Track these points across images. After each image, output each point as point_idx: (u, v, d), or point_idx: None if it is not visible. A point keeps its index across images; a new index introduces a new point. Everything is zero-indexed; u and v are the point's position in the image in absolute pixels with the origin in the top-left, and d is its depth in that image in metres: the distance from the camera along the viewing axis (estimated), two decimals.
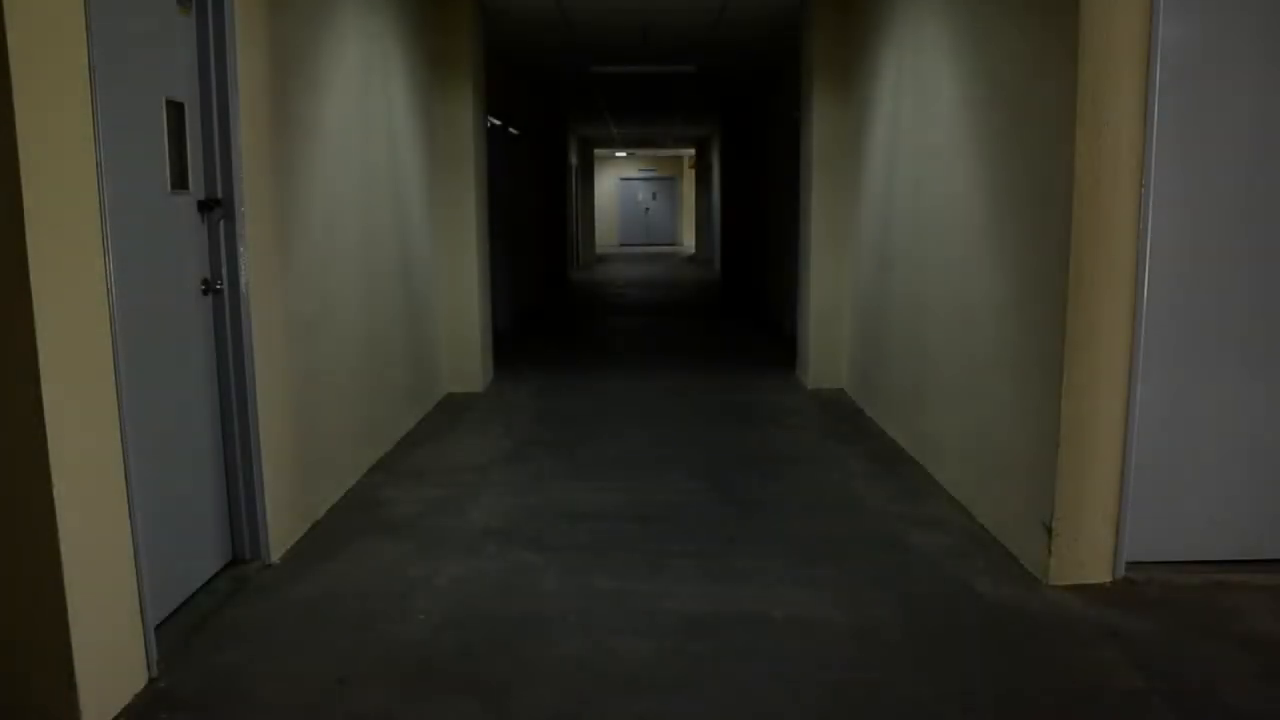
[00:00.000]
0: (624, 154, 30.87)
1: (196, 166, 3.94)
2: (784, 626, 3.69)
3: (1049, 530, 4.00)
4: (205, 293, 4.00)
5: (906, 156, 6.20)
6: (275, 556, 4.33)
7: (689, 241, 30.96)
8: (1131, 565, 4.05)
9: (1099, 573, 4.03)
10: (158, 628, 3.40)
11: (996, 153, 4.64)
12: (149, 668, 3.29)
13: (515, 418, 7.32)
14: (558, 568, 4.28)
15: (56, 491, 2.82)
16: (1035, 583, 4.04)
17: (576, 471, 5.79)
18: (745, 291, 15.48)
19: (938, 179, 5.51)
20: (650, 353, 10.58)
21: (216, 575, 4.10)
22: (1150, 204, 3.84)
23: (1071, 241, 3.83)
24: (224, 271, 4.05)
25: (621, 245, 32.21)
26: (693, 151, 28.69)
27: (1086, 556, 4.02)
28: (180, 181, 3.84)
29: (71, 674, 2.89)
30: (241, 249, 4.07)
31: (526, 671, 3.36)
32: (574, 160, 21.76)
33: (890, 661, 3.44)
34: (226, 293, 4.07)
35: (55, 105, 2.87)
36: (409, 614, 3.83)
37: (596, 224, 29.13)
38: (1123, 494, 3.99)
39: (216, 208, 4.01)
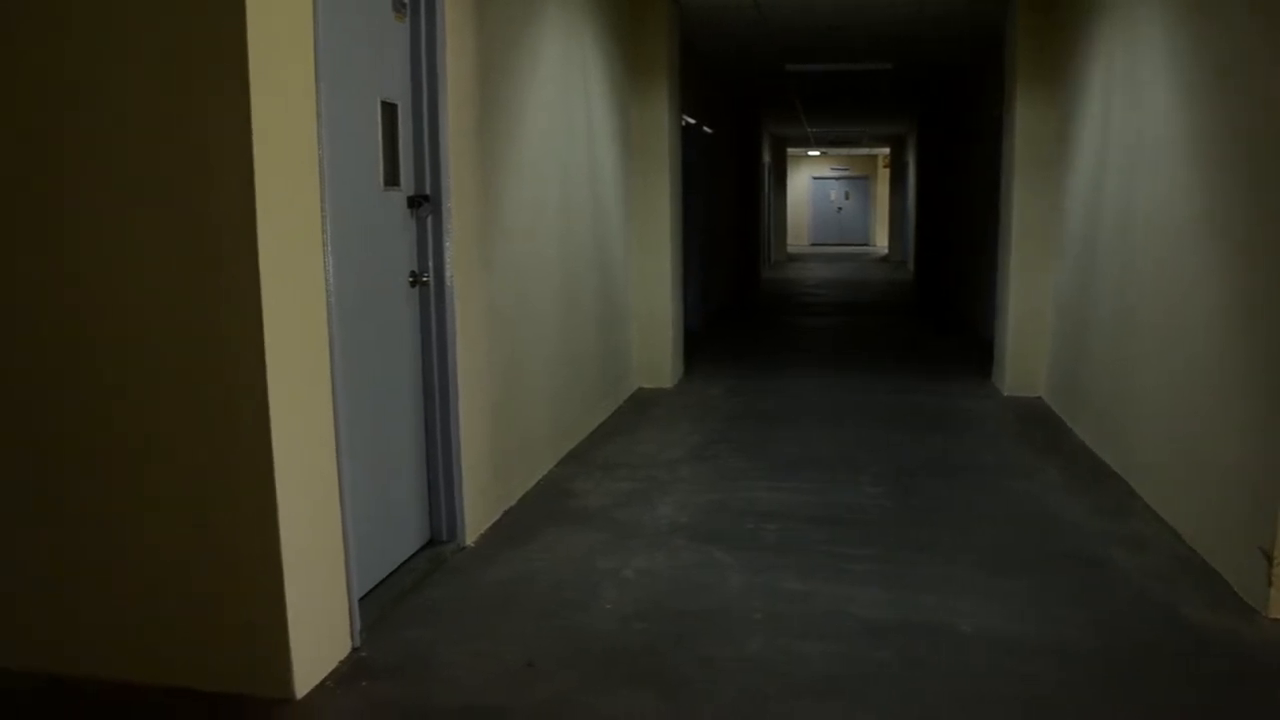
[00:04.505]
0: (817, 153, 30.55)
1: (407, 164, 4.13)
2: (971, 639, 3.59)
3: (1269, 558, 3.74)
4: (413, 285, 4.18)
5: (1116, 154, 5.93)
6: (470, 540, 4.49)
7: (882, 242, 30.41)
8: None
9: None
10: (361, 600, 3.58)
11: (1217, 149, 4.38)
12: (352, 637, 3.47)
13: (703, 414, 7.36)
14: (743, 566, 4.28)
15: (277, 469, 3.01)
16: (1251, 614, 3.79)
17: (764, 470, 5.78)
18: (940, 294, 15.10)
19: (1149, 178, 5.25)
20: (840, 354, 10.46)
21: (415, 554, 4.28)
22: None
23: None
24: (430, 265, 4.23)
25: (813, 245, 31.90)
26: (887, 150, 28.15)
27: None
28: (392, 178, 4.03)
29: (286, 640, 3.09)
30: (447, 243, 4.24)
31: (709, 669, 3.39)
32: (767, 159, 21.68)
33: (1082, 684, 3.30)
34: (432, 285, 4.24)
35: (284, 107, 3.06)
36: (596, 603, 3.91)
37: (788, 223, 28.95)
38: None
39: (425, 203, 4.19)
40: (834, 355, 10.35)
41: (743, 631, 3.66)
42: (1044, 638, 3.60)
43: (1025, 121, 7.65)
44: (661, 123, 8.00)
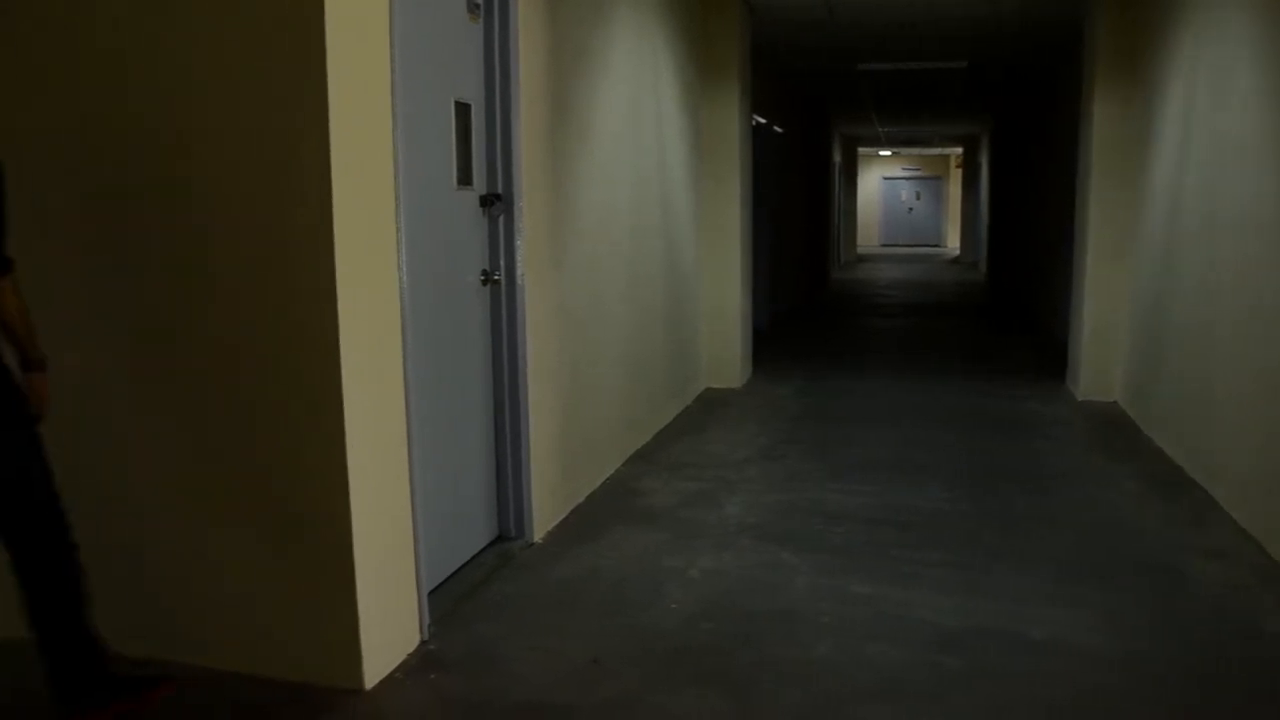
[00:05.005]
0: (888, 153, 30.25)
1: (480, 164, 4.17)
2: (1042, 647, 3.53)
3: None
4: (484, 283, 4.23)
5: (1198, 154, 5.79)
6: (538, 536, 4.52)
7: (953, 243, 30.04)
8: None
9: None
10: (430, 594, 3.63)
11: None
12: (421, 631, 3.52)
13: (771, 415, 7.33)
14: (810, 568, 4.26)
15: (350, 465, 3.06)
16: None
17: (831, 472, 5.74)
18: (1012, 296, 14.88)
19: (1234, 178, 5.12)
20: (910, 356, 10.35)
21: (484, 550, 4.32)
22: None
23: None
24: (501, 263, 4.27)
25: (883, 245, 31.59)
26: (960, 150, 27.79)
27: None
28: (465, 178, 4.07)
29: (356, 631, 3.14)
30: (519, 242, 4.28)
31: (774, 670, 3.37)
32: (837, 158, 21.53)
33: (1154, 696, 3.22)
34: (504, 284, 4.28)
35: (361, 107, 3.11)
36: (662, 603, 3.91)
37: (859, 223, 28.72)
38: None
39: (496, 203, 4.23)
40: (904, 357, 10.25)
41: (810, 634, 3.64)
42: (1117, 647, 3.53)
43: (1103, 120, 7.51)
44: (732, 124, 7.98)
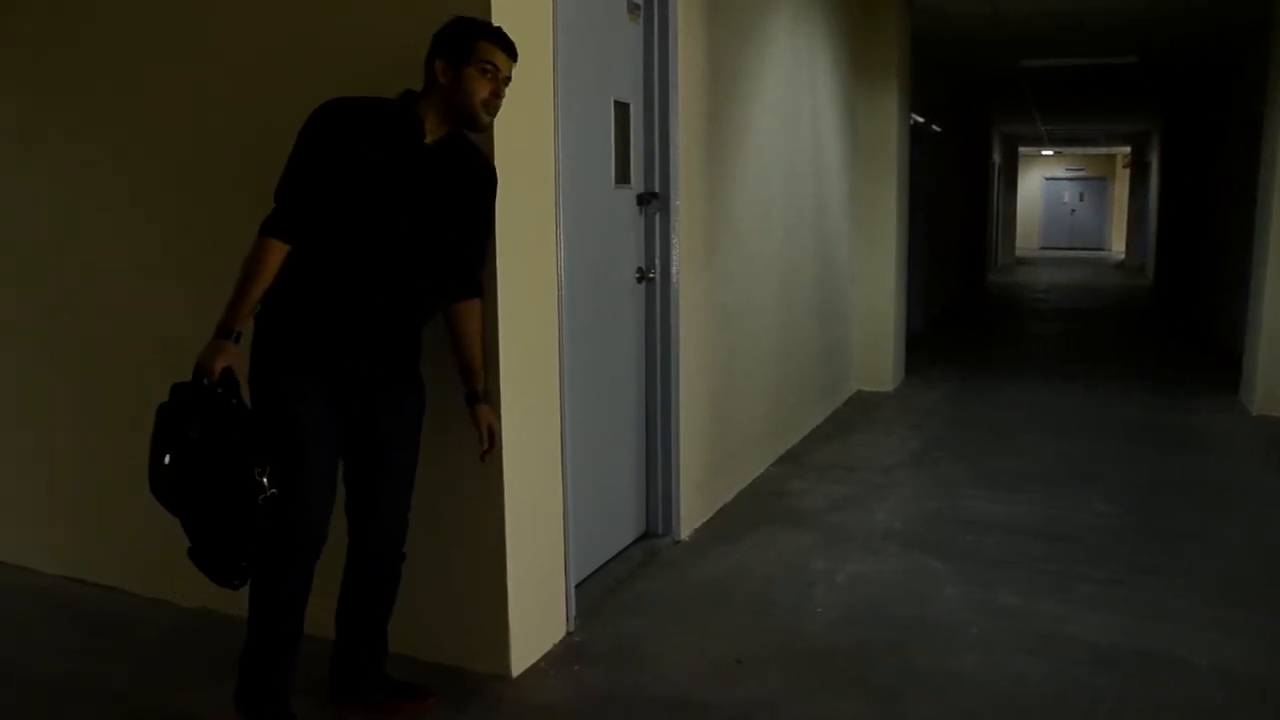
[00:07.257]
0: (1050, 152, 29.25)
1: (637, 162, 4.21)
2: (1206, 676, 3.36)
3: None
4: (639, 280, 4.27)
5: None
6: (684, 534, 4.55)
7: (1118, 246, 28.88)
8: None
9: None
10: (576, 587, 3.68)
11: None
12: (567, 622, 3.58)
13: (923, 420, 7.19)
14: (959, 577, 4.17)
15: (505, 453, 3.13)
16: None
17: (983, 480, 5.60)
18: (1180, 303, 14.22)
19: None
20: (1068, 362, 9.99)
21: (630, 546, 4.36)
22: None
23: None
24: (657, 261, 4.30)
25: (1042, 249, 30.59)
26: (1127, 149, 26.67)
27: None
28: (623, 176, 4.11)
29: (505, 621, 3.22)
30: (674, 240, 4.31)
31: (918, 680, 3.32)
32: (997, 158, 20.93)
33: None
34: (658, 281, 4.32)
35: (524, 106, 3.18)
36: (807, 605, 3.89)
37: (1018, 225, 27.88)
38: None
39: (653, 201, 4.27)
40: (1061, 364, 9.91)
41: (956, 645, 3.56)
42: None
43: None
44: (889, 124, 7.85)
